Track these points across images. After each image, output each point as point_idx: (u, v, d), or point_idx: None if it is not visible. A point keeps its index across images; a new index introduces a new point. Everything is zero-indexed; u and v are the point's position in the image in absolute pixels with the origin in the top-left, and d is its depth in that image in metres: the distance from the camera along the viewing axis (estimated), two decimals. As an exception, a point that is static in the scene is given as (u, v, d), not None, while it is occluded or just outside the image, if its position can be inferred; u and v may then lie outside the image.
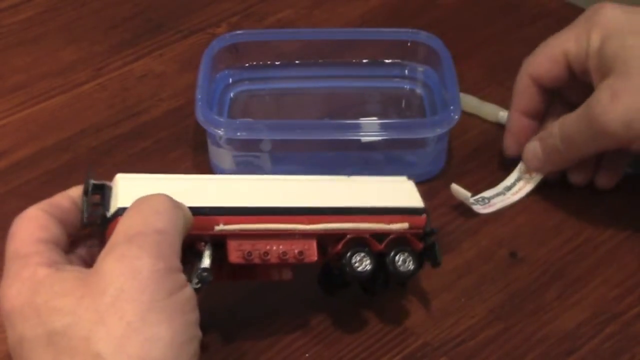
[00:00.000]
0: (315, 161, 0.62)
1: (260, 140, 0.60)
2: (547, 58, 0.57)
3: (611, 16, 0.53)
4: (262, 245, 0.48)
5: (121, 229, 0.42)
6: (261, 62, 0.68)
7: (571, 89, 0.58)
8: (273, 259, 0.48)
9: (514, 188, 0.59)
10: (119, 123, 0.66)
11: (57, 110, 0.67)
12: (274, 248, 0.48)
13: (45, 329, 0.40)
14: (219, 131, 0.58)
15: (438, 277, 0.55)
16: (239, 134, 0.58)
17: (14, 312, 0.41)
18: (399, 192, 0.53)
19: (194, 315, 0.41)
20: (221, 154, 0.60)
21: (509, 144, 0.60)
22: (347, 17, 0.76)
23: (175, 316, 0.40)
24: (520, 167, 0.60)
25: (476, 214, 0.58)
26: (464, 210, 0.59)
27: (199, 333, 0.41)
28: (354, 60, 0.68)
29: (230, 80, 0.67)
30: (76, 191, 0.47)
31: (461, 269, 0.56)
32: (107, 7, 0.77)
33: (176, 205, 0.44)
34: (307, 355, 0.52)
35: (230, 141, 0.59)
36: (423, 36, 0.66)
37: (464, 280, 0.55)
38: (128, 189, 0.46)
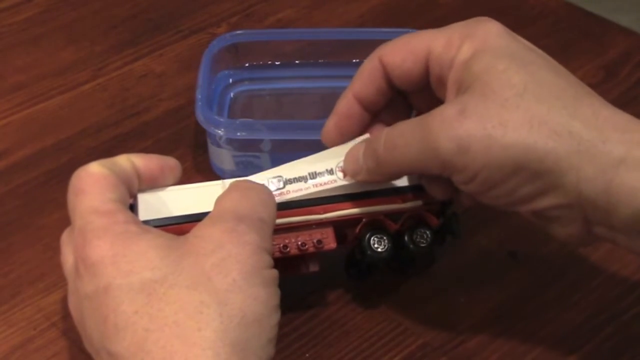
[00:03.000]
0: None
1: (260, 140, 0.60)
2: (406, 48, 0.49)
3: (493, 33, 0.47)
4: (280, 240, 0.49)
5: (228, 207, 0.44)
6: (261, 62, 0.68)
7: (419, 94, 0.51)
8: (293, 250, 0.49)
9: (320, 179, 0.50)
10: (119, 123, 0.66)
11: (57, 110, 0.67)
12: (293, 240, 0.49)
13: (140, 277, 0.41)
14: (219, 131, 0.58)
15: (438, 277, 0.55)
16: (239, 134, 0.58)
17: (104, 261, 0.42)
18: None
19: (279, 293, 0.43)
20: (221, 154, 0.60)
21: (329, 128, 0.51)
22: (347, 17, 0.76)
23: (270, 285, 0.42)
24: (339, 162, 0.50)
25: (476, 214, 0.57)
26: (464, 210, 0.58)
27: (279, 314, 0.43)
28: (354, 60, 0.68)
29: (230, 80, 0.67)
30: (136, 159, 0.48)
31: (461, 269, 0.56)
32: (107, 7, 0.77)
33: (274, 201, 0.46)
34: (307, 355, 0.52)
35: (230, 141, 0.59)
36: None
37: (464, 280, 0.55)
38: (147, 203, 0.48)
